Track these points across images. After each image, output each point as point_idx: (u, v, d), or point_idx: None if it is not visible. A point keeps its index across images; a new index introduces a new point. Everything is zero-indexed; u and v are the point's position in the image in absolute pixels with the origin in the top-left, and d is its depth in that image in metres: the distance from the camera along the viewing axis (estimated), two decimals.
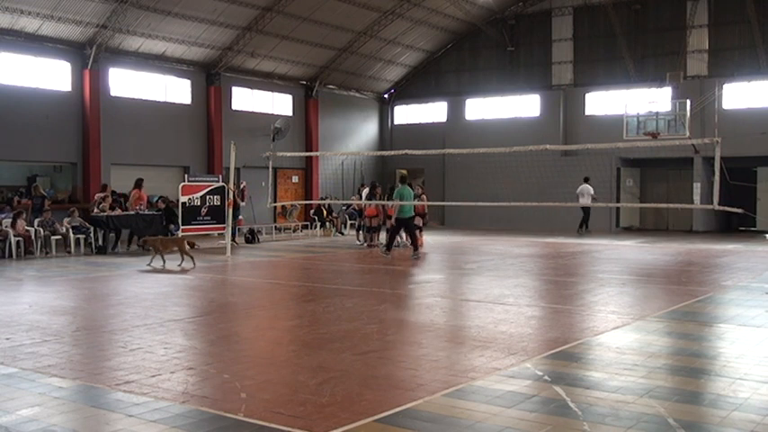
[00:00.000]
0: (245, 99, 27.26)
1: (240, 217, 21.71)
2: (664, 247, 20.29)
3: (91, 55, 21.71)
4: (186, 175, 22.42)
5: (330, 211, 25.73)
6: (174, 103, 24.81)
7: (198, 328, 8.69)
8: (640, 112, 23.34)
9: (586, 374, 6.45)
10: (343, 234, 24.96)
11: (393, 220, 17.86)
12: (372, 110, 32.72)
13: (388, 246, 17.54)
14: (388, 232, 18.27)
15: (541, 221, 27.10)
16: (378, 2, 26.17)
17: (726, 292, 11.36)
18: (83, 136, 22.13)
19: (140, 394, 5.77)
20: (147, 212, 19.60)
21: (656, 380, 6.18)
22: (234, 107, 26.68)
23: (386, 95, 33.05)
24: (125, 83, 23.40)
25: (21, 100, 20.66)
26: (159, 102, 24.36)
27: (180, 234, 19.33)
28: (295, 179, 29.41)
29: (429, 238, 21.69)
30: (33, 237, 17.43)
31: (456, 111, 31.06)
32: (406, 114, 33.10)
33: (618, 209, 27.29)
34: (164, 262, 15.05)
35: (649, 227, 28.14)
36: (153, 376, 6.30)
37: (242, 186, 21.57)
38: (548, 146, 18.32)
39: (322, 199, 27.91)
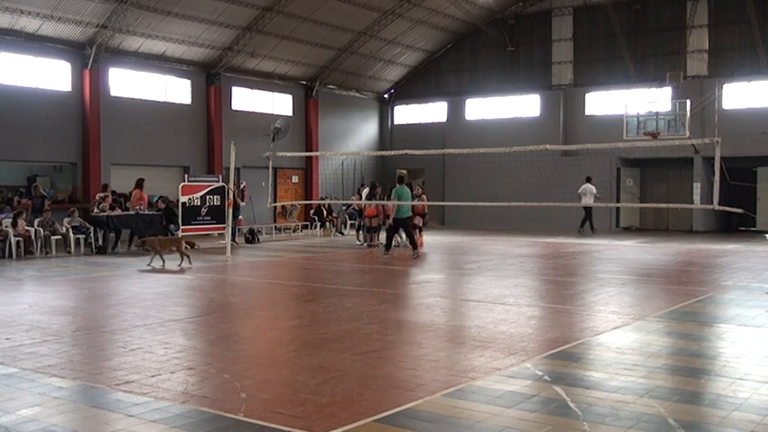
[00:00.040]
0: (245, 99, 27.26)
1: (240, 217, 21.71)
2: (664, 247, 20.29)
3: (91, 55, 21.71)
4: (186, 175, 22.42)
5: (330, 211, 25.74)
6: (174, 103, 24.81)
7: (198, 328, 8.69)
8: (640, 112, 23.34)
9: (586, 374, 6.45)
10: (343, 234, 24.96)
11: (390, 219, 17.89)
12: (372, 110, 32.73)
13: (387, 246, 17.55)
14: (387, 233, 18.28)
15: (541, 221, 27.10)
16: (378, 2, 26.17)
17: (726, 292, 11.36)
18: (83, 136, 22.13)
19: (140, 394, 5.77)
20: (147, 212, 19.59)
21: (656, 380, 6.18)
22: (234, 107, 26.68)
23: (386, 95, 33.05)
24: (125, 83, 23.40)
25: (21, 100, 20.66)
26: (159, 102, 24.36)
27: (180, 234, 19.34)
28: (295, 179, 29.41)
29: (429, 238, 21.69)
30: (33, 237, 17.43)
31: (456, 111, 31.06)
32: (406, 114, 33.10)
33: (618, 209, 27.29)
34: (163, 262, 15.05)
35: (649, 227, 28.14)
36: (153, 376, 6.30)
37: (242, 186, 21.57)
38: (548, 146, 18.32)
39: (322, 199, 27.91)
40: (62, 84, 21.81)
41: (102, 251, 18.19)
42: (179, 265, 14.95)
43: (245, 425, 5.07)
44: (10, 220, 17.19)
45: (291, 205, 27.05)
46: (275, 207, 26.55)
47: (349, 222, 25.14)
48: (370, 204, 20.07)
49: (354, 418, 5.15)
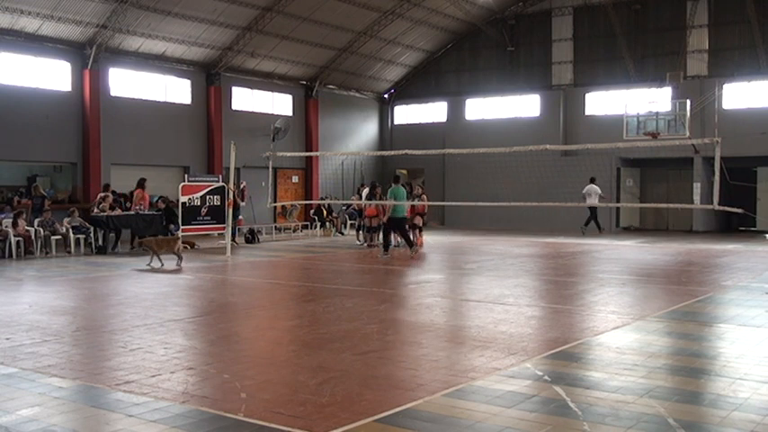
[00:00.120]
0: (245, 99, 27.26)
1: (240, 217, 21.71)
2: (664, 247, 20.29)
3: (91, 55, 21.71)
4: (186, 175, 22.41)
5: (330, 211, 25.74)
6: (174, 103, 24.82)
7: (198, 328, 8.69)
8: (640, 112, 23.34)
9: (586, 374, 6.45)
10: (343, 234, 24.97)
11: (385, 218, 17.92)
12: (372, 110, 32.73)
13: (386, 246, 17.55)
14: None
15: (541, 221, 27.10)
16: (378, 2, 26.18)
17: (726, 292, 11.35)
18: (83, 136, 22.13)
19: (140, 394, 5.76)
20: (147, 212, 19.59)
21: (656, 380, 6.18)
22: (234, 107, 26.69)
23: (386, 95, 33.05)
24: (125, 83, 23.41)
25: (21, 100, 20.67)
26: (159, 102, 24.37)
27: (179, 234, 19.34)
28: (295, 179, 29.41)
29: (429, 238, 21.70)
30: (33, 237, 17.43)
31: (456, 111, 31.06)
32: (406, 114, 33.10)
33: (618, 209, 27.29)
34: (161, 263, 15.04)
35: (649, 227, 28.14)
36: (153, 376, 6.30)
37: (242, 186, 21.57)
38: (548, 146, 18.31)
39: (322, 199, 27.91)
40: (62, 84, 21.81)
41: (102, 251, 18.19)
42: (177, 265, 14.95)
43: (245, 425, 5.07)
44: (10, 220, 17.19)
45: (291, 205, 27.05)
46: (275, 207, 26.55)
47: (349, 222, 25.15)
48: (370, 204, 20.06)
49: (354, 418, 5.15)
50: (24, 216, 17.74)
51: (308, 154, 27.27)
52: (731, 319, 9.04)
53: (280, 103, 28.53)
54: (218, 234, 21.21)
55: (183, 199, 20.00)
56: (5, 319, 9.09)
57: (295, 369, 6.60)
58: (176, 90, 24.95)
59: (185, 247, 18.73)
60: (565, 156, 27.53)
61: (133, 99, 23.54)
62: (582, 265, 15.91)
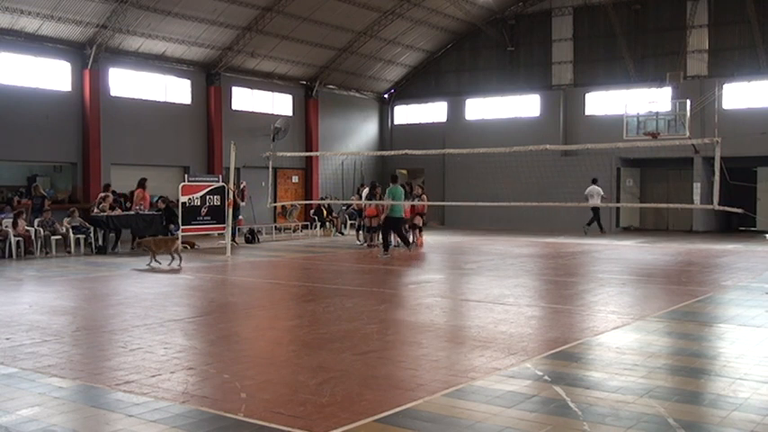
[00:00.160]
0: (245, 99, 27.26)
1: (240, 217, 21.72)
2: (664, 247, 20.29)
3: (91, 55, 21.71)
4: (186, 175, 22.41)
5: (330, 211, 25.74)
6: (174, 103, 24.82)
7: (198, 328, 8.69)
8: (640, 112, 23.34)
9: (586, 374, 6.45)
10: (343, 234, 24.97)
11: (382, 218, 17.92)
12: (372, 110, 32.73)
13: (386, 246, 17.55)
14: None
15: (541, 221, 27.10)
16: (378, 2, 26.18)
17: (726, 292, 11.36)
18: (83, 136, 22.13)
19: (140, 394, 5.76)
20: (147, 212, 19.59)
21: (656, 380, 6.18)
22: (234, 107, 26.69)
23: (386, 95, 33.05)
24: (125, 83, 23.41)
25: (21, 100, 20.67)
26: (159, 102, 24.37)
27: (180, 234, 19.34)
28: (295, 179, 29.41)
29: (429, 238, 21.70)
30: (33, 237, 17.43)
31: (456, 111, 31.06)
32: (406, 114, 33.10)
33: (618, 209, 27.29)
34: (158, 263, 15.04)
35: (649, 227, 28.15)
36: (153, 376, 6.30)
37: (242, 186, 21.58)
38: (548, 146, 18.31)
39: (322, 199, 27.91)
40: (62, 84, 21.81)
41: (102, 251, 18.19)
42: (178, 265, 14.96)
43: (245, 425, 5.07)
44: (10, 220, 17.18)
45: (291, 205, 27.05)
46: (275, 207, 26.55)
47: (349, 222, 25.15)
48: (370, 204, 20.07)
49: (354, 418, 5.15)
50: (24, 216, 17.74)
51: (308, 154, 27.27)
52: (731, 319, 9.04)
53: (280, 103, 28.54)
54: (218, 234, 21.21)
55: (183, 199, 20.00)
56: (5, 319, 9.09)
57: (295, 369, 6.60)
58: (176, 90, 24.95)
59: (185, 247, 18.76)
60: (565, 156, 27.54)
61: (133, 99, 23.54)
62: (582, 265, 15.91)
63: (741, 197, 23.58)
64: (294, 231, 26.07)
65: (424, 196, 21.08)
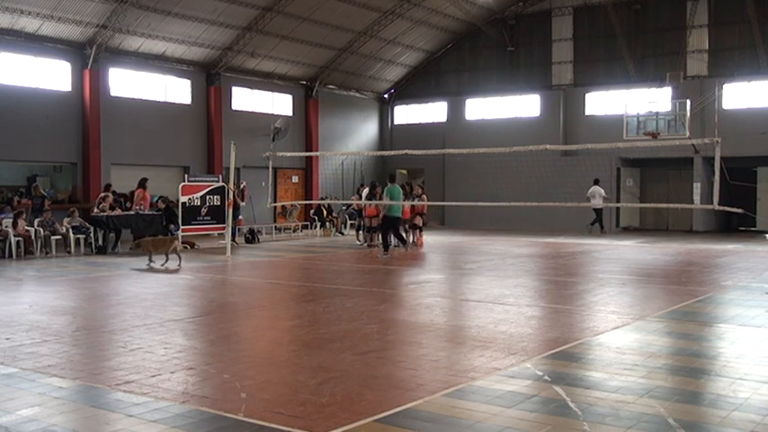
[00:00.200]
0: (245, 99, 27.26)
1: (240, 217, 21.72)
2: (664, 247, 20.29)
3: (91, 55, 21.71)
4: (186, 175, 22.44)
5: (330, 211, 25.74)
6: (174, 103, 24.82)
7: (198, 328, 8.69)
8: (640, 112, 23.34)
9: (586, 374, 6.45)
10: (343, 234, 24.97)
11: (380, 217, 17.92)
12: (372, 110, 32.73)
13: (386, 246, 17.55)
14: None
15: (541, 221, 27.10)
16: (378, 2, 26.17)
17: (726, 292, 11.36)
18: (83, 136, 22.13)
19: (140, 394, 5.77)
20: (147, 212, 19.59)
21: (656, 380, 6.18)
22: (234, 107, 26.69)
23: (386, 95, 33.05)
24: (125, 83, 23.41)
25: (21, 100, 20.67)
26: (159, 102, 24.36)
27: (180, 234, 19.36)
28: (295, 179, 29.41)
29: (429, 238, 21.70)
30: (33, 237, 17.43)
31: (456, 111, 31.06)
32: (406, 114, 33.10)
33: (618, 209, 27.29)
34: (152, 262, 15.05)
35: (649, 227, 28.15)
36: (153, 376, 6.30)
37: (242, 186, 21.58)
38: (548, 146, 18.31)
39: (322, 199, 27.91)
40: (62, 84, 21.81)
41: (102, 251, 18.19)
42: (178, 265, 14.95)
43: (245, 425, 5.07)
44: (10, 220, 17.18)
45: (291, 205, 27.05)
46: (275, 207, 26.55)
47: (349, 222, 25.15)
48: (370, 204, 20.07)
49: (354, 418, 5.15)
50: (24, 216, 17.74)
51: (308, 154, 27.27)
52: (731, 319, 9.04)
53: (280, 103, 28.53)
54: (218, 234, 21.22)
55: (183, 199, 20.04)
56: (5, 319, 9.09)
57: (295, 369, 6.60)
58: (176, 90, 24.95)
59: (185, 247, 18.77)
60: (565, 156, 27.54)
61: (133, 99, 23.54)
62: (582, 265, 15.91)
63: (741, 197, 23.58)
64: (294, 231, 26.07)
65: (424, 196, 21.08)
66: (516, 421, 5.13)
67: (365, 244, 20.35)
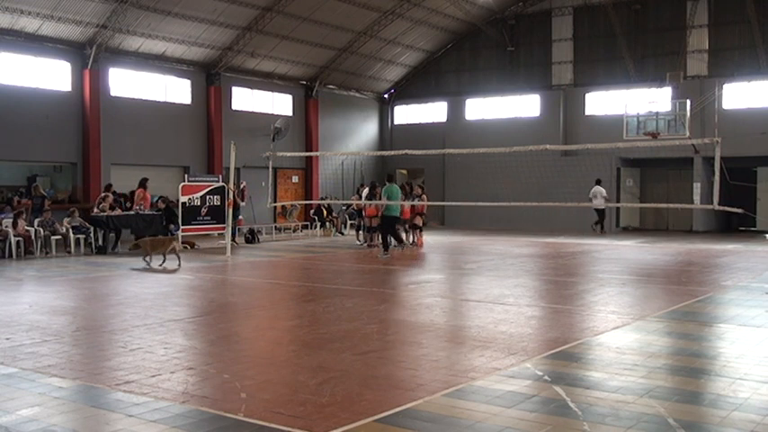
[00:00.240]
0: (245, 99, 27.26)
1: (240, 217, 21.72)
2: (664, 247, 20.29)
3: (91, 55, 21.71)
4: (186, 175, 22.44)
5: (330, 211, 25.74)
6: (174, 103, 24.82)
7: (198, 328, 8.69)
8: (640, 112, 23.35)
9: (586, 374, 6.45)
10: (343, 234, 24.97)
11: (378, 215, 17.92)
12: (372, 110, 32.73)
13: (386, 246, 17.55)
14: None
15: (541, 221, 27.10)
16: (378, 2, 26.18)
17: (726, 292, 11.36)
18: (83, 136, 22.13)
19: (140, 394, 5.76)
20: (147, 212, 19.59)
21: (656, 380, 6.18)
22: (234, 107, 26.69)
23: (386, 95, 33.05)
24: (125, 83, 23.41)
25: (21, 100, 20.67)
26: (159, 102, 24.36)
27: (180, 234, 19.36)
28: (295, 179, 29.41)
29: (429, 238, 21.70)
30: (33, 237, 17.43)
31: (456, 111, 31.06)
32: (406, 114, 33.10)
33: (618, 209, 27.30)
34: (147, 263, 15.06)
35: (649, 227, 28.15)
36: (153, 376, 6.30)
37: (242, 186, 21.58)
38: (548, 146, 18.31)
39: (322, 199, 27.91)
40: (62, 84, 21.81)
41: (102, 251, 18.19)
42: (178, 265, 14.95)
43: (245, 425, 5.07)
44: (10, 220, 17.18)
45: (291, 205, 27.06)
46: (275, 207, 26.55)
47: (349, 222, 25.15)
48: (370, 204, 20.07)
49: (354, 418, 5.15)
50: (24, 216, 17.74)
51: (308, 154, 27.27)
52: (731, 319, 9.04)
53: (280, 103, 28.54)
54: (218, 234, 21.23)
55: (183, 199, 20.04)
56: (5, 319, 9.09)
57: (295, 369, 6.60)
58: (176, 90, 24.95)
59: (185, 247, 18.78)
60: (565, 156, 27.54)
61: (133, 99, 23.54)
62: (582, 265, 15.91)
63: (741, 197, 23.58)
64: (294, 231, 26.07)
65: (424, 196, 21.08)
66: (516, 421, 5.13)
67: (365, 244, 20.35)
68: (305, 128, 29.29)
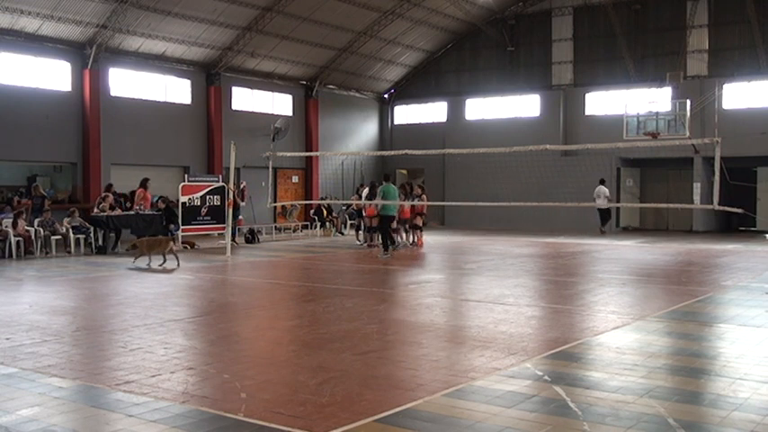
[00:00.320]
0: (245, 99, 27.26)
1: (240, 217, 21.72)
2: (664, 247, 20.29)
3: (91, 55, 21.71)
4: (186, 175, 22.44)
5: (330, 211, 25.74)
6: (174, 103, 24.81)
7: (198, 328, 8.69)
8: (640, 112, 23.35)
9: (586, 374, 6.45)
10: (343, 234, 24.97)
11: (376, 215, 17.94)
12: (372, 110, 32.73)
13: (385, 246, 17.55)
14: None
15: (541, 221, 27.10)
16: (378, 2, 26.17)
17: (726, 292, 11.36)
18: (83, 136, 22.13)
19: (140, 394, 5.77)
20: (147, 212, 19.59)
21: (656, 380, 6.18)
22: (234, 107, 26.68)
23: (386, 95, 33.05)
24: (125, 83, 23.41)
25: (21, 100, 20.66)
26: (159, 102, 24.36)
27: (179, 234, 19.37)
28: (295, 179, 29.41)
29: (429, 238, 21.70)
30: (33, 237, 17.42)
31: (456, 111, 31.07)
32: (406, 114, 33.10)
33: (618, 209, 27.29)
34: (134, 263, 15.05)
35: (649, 227, 28.14)
36: (153, 376, 6.30)
37: (242, 186, 21.58)
38: (548, 146, 18.31)
39: (322, 199, 27.91)
40: (62, 84, 21.81)
41: (102, 251, 18.18)
42: (177, 265, 14.95)
43: (245, 425, 5.07)
44: (10, 220, 17.18)
45: (291, 205, 27.06)
46: (275, 207, 26.55)
47: (349, 222, 25.15)
48: (369, 204, 20.07)
49: (354, 418, 5.15)
50: (24, 216, 17.74)
51: (308, 154, 27.27)
52: (731, 319, 9.04)
53: (280, 103, 28.53)
54: (218, 234, 21.22)
55: (183, 199, 20.05)
56: (5, 319, 9.09)
57: (295, 369, 6.60)
58: (176, 90, 24.95)
59: (185, 247, 18.78)
60: (565, 156, 27.54)
61: (133, 99, 23.54)
62: (582, 265, 15.91)
63: (741, 197, 23.57)
64: (294, 231, 26.07)
65: (424, 196, 21.08)
66: (516, 421, 5.13)
67: (365, 244, 20.35)
68: (305, 128, 29.29)
